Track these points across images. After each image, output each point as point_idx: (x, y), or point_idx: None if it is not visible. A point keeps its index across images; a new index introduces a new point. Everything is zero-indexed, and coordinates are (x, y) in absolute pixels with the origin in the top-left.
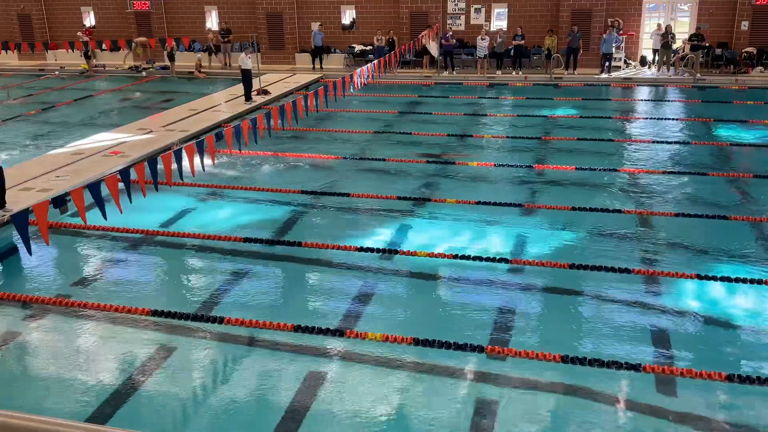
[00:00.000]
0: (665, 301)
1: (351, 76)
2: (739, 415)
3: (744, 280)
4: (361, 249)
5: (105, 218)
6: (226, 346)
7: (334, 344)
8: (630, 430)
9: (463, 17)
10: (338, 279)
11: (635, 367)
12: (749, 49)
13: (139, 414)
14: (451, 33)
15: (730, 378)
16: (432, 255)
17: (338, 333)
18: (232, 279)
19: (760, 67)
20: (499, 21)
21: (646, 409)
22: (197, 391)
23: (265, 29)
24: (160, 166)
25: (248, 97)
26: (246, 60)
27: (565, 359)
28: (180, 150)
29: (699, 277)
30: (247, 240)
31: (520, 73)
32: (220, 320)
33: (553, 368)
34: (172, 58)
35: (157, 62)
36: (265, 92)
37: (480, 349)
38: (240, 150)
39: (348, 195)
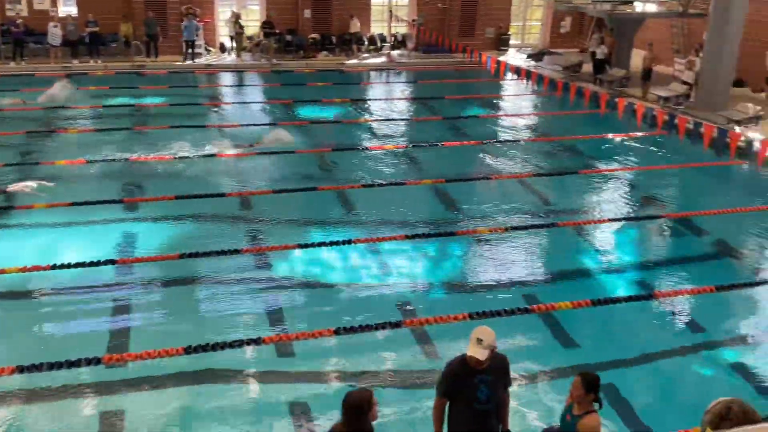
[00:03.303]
0: (274, 273)
1: None
2: (349, 361)
3: (337, 243)
4: None
5: None
6: None
7: None
8: (259, 400)
9: (24, 1)
10: None
11: (256, 341)
12: (314, 35)
13: None
14: (20, 20)
15: (337, 332)
16: (25, 270)
17: None
18: None
19: (324, 52)
20: (68, 7)
21: (271, 377)
22: None
23: None
24: None
25: None
26: None
27: (188, 350)
28: None
29: (300, 246)
30: None
31: (99, 61)
32: None
33: (177, 361)
34: None
35: None
36: None
37: (96, 361)
38: None
39: None
